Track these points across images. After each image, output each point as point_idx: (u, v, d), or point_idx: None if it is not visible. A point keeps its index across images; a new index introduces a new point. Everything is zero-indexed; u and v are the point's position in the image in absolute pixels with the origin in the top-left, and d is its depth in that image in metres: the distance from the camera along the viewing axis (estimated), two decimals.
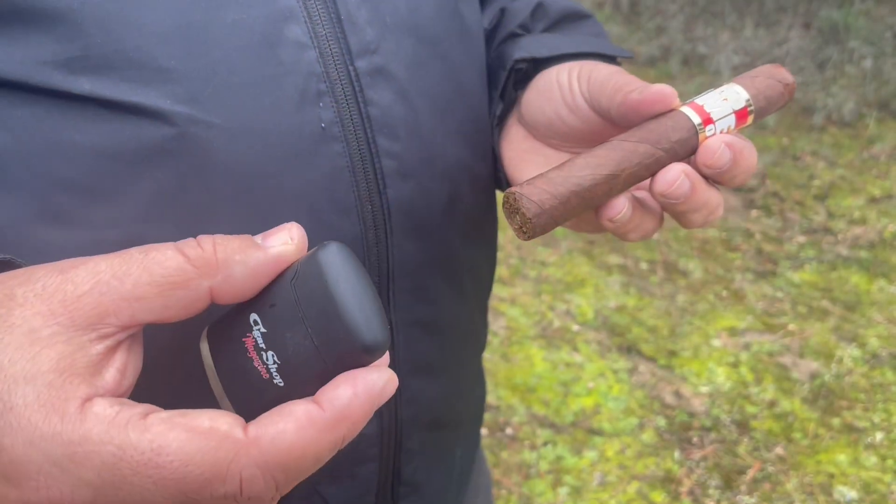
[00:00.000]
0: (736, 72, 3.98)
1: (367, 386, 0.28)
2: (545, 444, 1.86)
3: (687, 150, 0.40)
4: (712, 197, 0.40)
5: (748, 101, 0.41)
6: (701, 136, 0.40)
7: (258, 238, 0.30)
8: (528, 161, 0.48)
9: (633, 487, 1.75)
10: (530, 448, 1.85)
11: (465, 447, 0.60)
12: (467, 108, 0.48)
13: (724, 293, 2.40)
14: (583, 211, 0.40)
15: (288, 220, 0.39)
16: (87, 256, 0.28)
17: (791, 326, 2.26)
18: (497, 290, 2.39)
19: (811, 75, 3.81)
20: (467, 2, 0.50)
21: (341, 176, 0.41)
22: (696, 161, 0.40)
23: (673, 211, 0.40)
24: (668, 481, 1.77)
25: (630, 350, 2.17)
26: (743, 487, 1.76)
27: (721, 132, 0.40)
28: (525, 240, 0.39)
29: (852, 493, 1.74)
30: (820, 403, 1.99)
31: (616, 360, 2.13)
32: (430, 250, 0.47)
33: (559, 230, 2.73)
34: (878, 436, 1.88)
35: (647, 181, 0.41)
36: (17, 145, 0.35)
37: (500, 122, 0.51)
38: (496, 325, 2.25)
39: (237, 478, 0.26)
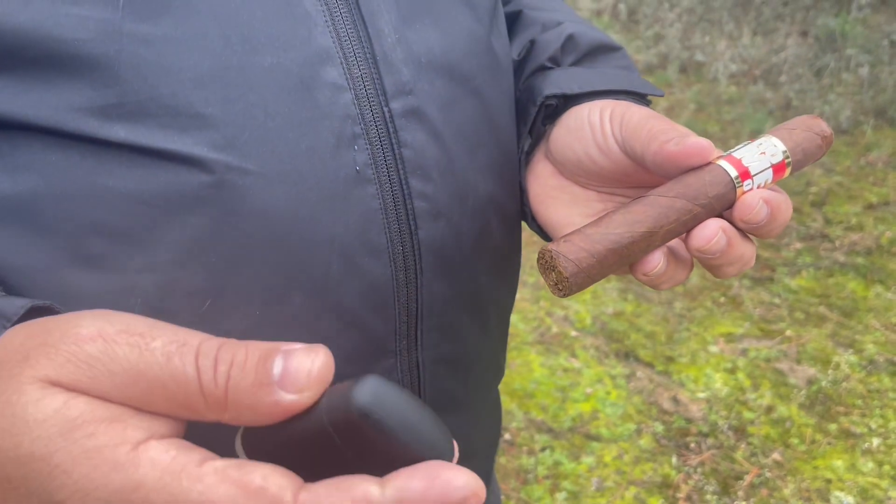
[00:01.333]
0: (733, 79, 4.00)
1: (444, 486, 0.24)
2: (543, 449, 1.86)
3: (723, 205, 0.40)
4: (747, 250, 0.40)
5: (786, 153, 0.40)
6: (738, 191, 0.39)
7: (276, 368, 0.26)
8: (554, 198, 0.48)
9: (630, 493, 1.75)
10: (528, 453, 1.85)
11: (481, 473, 0.60)
12: (498, 143, 0.48)
13: (722, 299, 2.41)
14: (620, 267, 0.39)
15: (321, 264, 0.39)
16: (108, 318, 0.26)
17: (788, 332, 2.27)
18: None
19: (808, 83, 3.83)
20: (498, 34, 0.49)
21: (374, 218, 0.40)
22: (734, 216, 0.39)
23: (707, 264, 0.40)
24: (665, 487, 1.77)
25: (628, 356, 2.17)
26: (740, 493, 1.76)
27: (758, 187, 0.40)
28: (561, 297, 0.39)
29: (849, 499, 1.74)
30: (817, 409, 1.99)
31: (614, 365, 2.14)
32: (457, 288, 0.46)
33: None
34: (875, 441, 1.88)
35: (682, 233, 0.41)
36: (49, 189, 0.34)
37: (527, 156, 0.50)
38: None
39: None
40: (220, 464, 0.25)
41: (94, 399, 0.25)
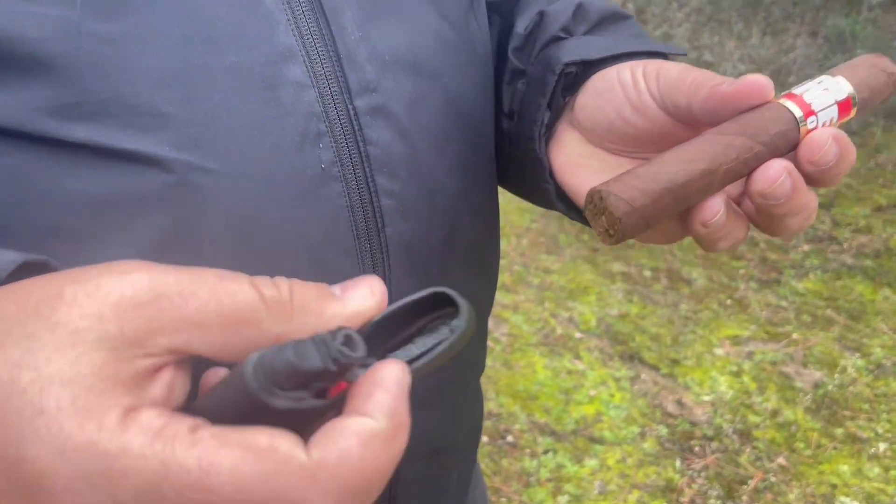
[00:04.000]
0: None
1: (396, 380, 0.25)
2: (546, 451, 1.85)
3: (788, 145, 0.37)
4: (811, 199, 0.37)
5: (851, 91, 0.38)
6: (802, 130, 0.37)
7: (336, 289, 0.27)
8: (584, 166, 0.45)
9: (633, 496, 1.74)
10: (531, 456, 1.84)
11: (461, 469, 0.60)
12: (469, 140, 0.47)
13: (728, 302, 2.40)
14: (676, 211, 0.36)
15: (288, 263, 0.39)
16: (150, 262, 0.25)
17: (795, 335, 2.25)
18: (500, 296, 2.39)
19: None
20: (475, 28, 0.49)
21: (341, 216, 0.40)
22: (799, 157, 0.37)
23: (769, 213, 0.37)
24: (668, 490, 1.76)
25: (632, 358, 2.16)
26: (744, 498, 1.75)
27: (823, 125, 0.37)
28: (611, 244, 0.36)
29: None
30: (823, 413, 1.98)
31: (618, 368, 2.13)
32: (428, 284, 0.46)
33: (562, 237, 2.73)
34: (882, 446, 1.86)
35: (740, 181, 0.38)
36: (6, 192, 0.34)
37: (548, 130, 0.49)
38: (498, 331, 2.25)
39: None
40: (216, 429, 0.23)
41: (127, 354, 0.23)
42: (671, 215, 0.37)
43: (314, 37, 0.39)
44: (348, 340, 0.24)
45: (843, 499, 1.74)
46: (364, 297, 0.27)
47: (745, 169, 0.36)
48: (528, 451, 1.86)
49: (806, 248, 2.68)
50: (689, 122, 0.40)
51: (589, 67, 0.46)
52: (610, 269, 2.56)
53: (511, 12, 0.53)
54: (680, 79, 0.39)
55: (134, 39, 0.34)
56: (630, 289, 2.46)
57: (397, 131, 0.42)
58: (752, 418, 1.96)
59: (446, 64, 0.45)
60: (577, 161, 0.45)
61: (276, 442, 0.23)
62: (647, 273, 2.54)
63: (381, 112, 0.41)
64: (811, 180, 0.37)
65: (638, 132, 0.43)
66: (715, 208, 0.36)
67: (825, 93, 0.37)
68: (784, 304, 2.39)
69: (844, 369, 2.12)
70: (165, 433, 0.22)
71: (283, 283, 0.26)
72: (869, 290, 2.44)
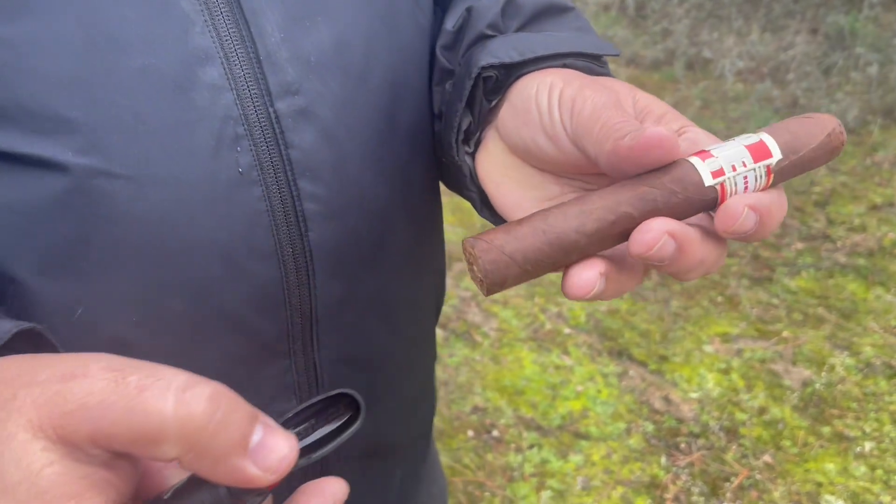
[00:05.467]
0: (740, 76, 3.96)
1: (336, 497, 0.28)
2: (531, 446, 1.85)
3: (706, 204, 0.34)
4: (710, 254, 0.34)
5: (765, 135, 0.35)
6: (706, 178, 0.33)
7: (257, 434, 0.26)
8: (508, 177, 0.43)
9: (617, 492, 1.74)
10: (516, 451, 1.84)
11: (407, 467, 0.59)
12: (404, 142, 0.46)
13: (719, 299, 2.39)
14: (556, 266, 0.34)
15: (200, 268, 0.38)
16: (96, 358, 0.26)
17: (785, 333, 2.24)
18: None
19: (816, 81, 3.78)
20: (415, 29, 0.47)
21: (260, 220, 0.39)
22: (715, 225, 0.33)
23: (659, 270, 0.34)
24: (653, 487, 1.76)
25: (621, 354, 2.16)
26: (728, 495, 1.74)
27: (734, 167, 0.34)
28: (485, 294, 0.34)
29: (839, 503, 1.72)
30: (811, 412, 1.97)
31: (606, 364, 2.12)
32: (358, 289, 0.45)
33: None
34: (868, 445, 1.86)
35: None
36: None
37: (471, 135, 0.45)
38: (487, 326, 2.25)
39: None
40: None
41: (69, 462, 0.25)
42: (547, 271, 0.34)
43: (233, 39, 0.38)
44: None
45: (828, 497, 1.74)
46: (269, 467, 0.26)
47: (634, 225, 0.33)
48: (513, 445, 1.85)
49: (799, 246, 2.67)
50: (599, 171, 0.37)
51: (514, 69, 0.43)
52: None
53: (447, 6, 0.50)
54: (592, 120, 0.35)
55: (33, 43, 0.33)
56: None
57: (323, 134, 0.41)
58: (739, 416, 1.95)
59: (379, 65, 0.43)
60: (501, 171, 0.43)
61: None
62: None
63: (305, 115, 0.40)
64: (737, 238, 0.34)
65: (555, 161, 0.40)
66: (588, 281, 0.33)
67: (731, 142, 0.34)
68: (775, 301, 2.39)
69: (833, 368, 2.11)
70: None
71: (205, 406, 0.25)
72: (861, 288, 2.43)
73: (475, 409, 1.95)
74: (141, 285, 0.37)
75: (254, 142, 0.39)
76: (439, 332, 2.21)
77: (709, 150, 0.34)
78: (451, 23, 0.47)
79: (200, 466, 0.25)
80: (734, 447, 1.87)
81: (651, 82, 3.99)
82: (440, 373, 2.07)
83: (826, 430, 1.91)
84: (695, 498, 1.74)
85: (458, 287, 2.40)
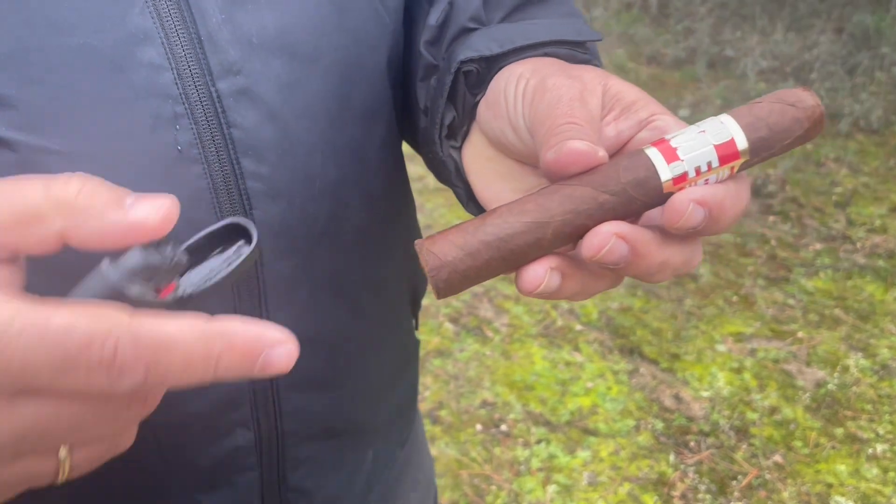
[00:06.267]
0: (762, 76, 3.92)
1: (259, 331, 0.28)
2: (539, 441, 1.85)
3: (647, 195, 0.33)
4: (673, 255, 0.33)
5: (736, 133, 0.33)
6: (666, 179, 0.32)
7: (130, 198, 0.28)
8: (491, 170, 0.43)
9: (624, 489, 1.74)
10: (524, 445, 1.84)
11: (381, 449, 0.59)
12: (358, 122, 0.46)
13: (734, 298, 2.37)
14: (506, 268, 0.33)
15: None
16: None
17: (800, 334, 2.22)
18: (502, 287, 2.39)
19: (840, 81, 3.73)
20: (373, 10, 0.47)
21: (202, 197, 0.40)
22: (662, 220, 0.32)
23: (621, 273, 0.33)
24: (660, 484, 1.75)
25: (632, 352, 2.15)
26: (736, 494, 1.73)
27: (698, 171, 0.32)
28: (438, 297, 0.33)
29: None
30: (823, 412, 1.95)
31: (617, 361, 2.12)
32: (309, 268, 0.45)
33: None
34: (881, 447, 1.84)
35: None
36: None
37: (456, 130, 0.46)
38: (498, 322, 2.25)
39: (113, 345, 0.25)
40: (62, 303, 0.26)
41: None
42: (501, 272, 0.33)
43: (174, 19, 0.38)
44: (174, 247, 0.29)
45: (838, 498, 1.72)
46: (148, 212, 0.28)
47: (591, 222, 0.32)
48: (521, 440, 1.86)
49: (818, 246, 2.64)
50: None
51: (495, 61, 0.42)
52: None
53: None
54: (545, 117, 0.35)
55: None
56: (634, 283, 2.44)
57: (266, 114, 0.41)
58: (750, 415, 1.94)
59: (329, 47, 0.44)
60: (483, 164, 0.43)
61: (105, 307, 0.27)
62: None
63: (246, 94, 0.41)
64: (689, 236, 0.33)
65: (524, 154, 0.39)
66: (536, 277, 0.33)
67: (700, 136, 0.33)
68: (791, 302, 2.36)
69: (847, 369, 2.09)
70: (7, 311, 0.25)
71: (75, 182, 0.28)
72: (880, 290, 2.40)
73: (484, 404, 1.96)
74: (76, 259, 0.38)
75: (195, 120, 0.39)
76: (450, 327, 2.23)
77: (674, 148, 0.33)
78: (434, 17, 0.47)
79: (85, 233, 0.27)
80: (744, 446, 1.85)
81: (672, 81, 3.96)
82: (450, 367, 2.08)
83: (839, 431, 1.89)
84: (702, 496, 1.73)
85: None
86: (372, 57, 0.47)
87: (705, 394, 2.01)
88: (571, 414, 1.94)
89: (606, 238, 0.31)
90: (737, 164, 0.33)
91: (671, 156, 0.32)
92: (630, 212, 0.33)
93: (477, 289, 2.38)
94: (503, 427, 1.90)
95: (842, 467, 1.79)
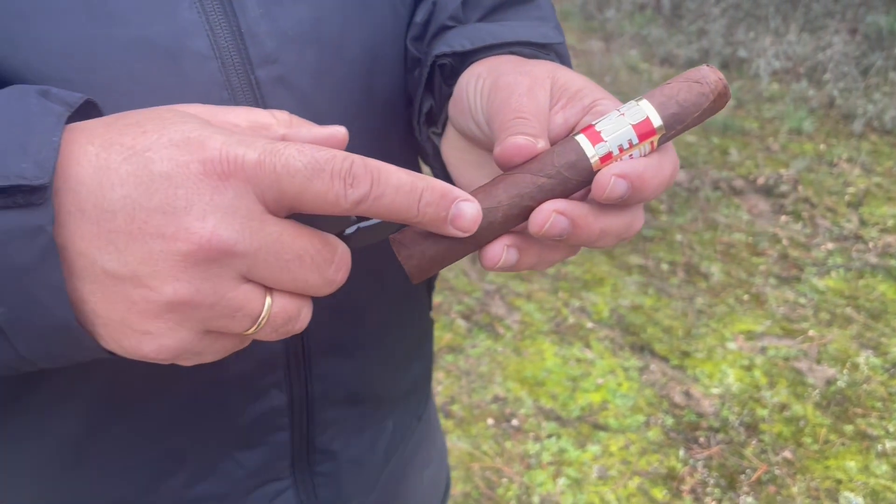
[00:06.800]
0: (775, 76, 3.92)
1: (452, 186, 0.35)
2: (549, 436, 1.88)
3: (580, 175, 0.37)
4: (612, 223, 0.38)
5: (650, 112, 0.37)
6: (594, 159, 0.37)
7: (315, 126, 0.39)
8: (464, 160, 0.47)
9: (634, 483, 1.76)
10: (534, 440, 1.87)
11: (399, 420, 0.63)
12: (380, 110, 0.50)
13: (745, 297, 2.38)
14: (466, 252, 0.38)
15: None
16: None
17: (811, 332, 2.23)
18: (513, 285, 2.42)
19: (853, 81, 3.73)
20: (391, 9, 0.51)
21: None
22: (591, 194, 0.37)
23: (568, 243, 0.38)
24: (670, 479, 1.77)
25: (643, 349, 2.17)
26: (745, 488, 1.75)
27: (620, 149, 0.37)
28: (413, 282, 0.38)
29: (859, 500, 1.71)
30: (833, 409, 1.96)
31: (628, 358, 2.14)
32: None
33: None
34: (891, 444, 1.85)
35: None
36: None
37: (435, 118, 0.50)
38: (510, 318, 2.28)
39: (350, 161, 0.33)
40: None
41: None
42: (462, 255, 0.38)
43: (217, 13, 0.42)
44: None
45: (847, 494, 1.73)
46: (333, 130, 0.39)
47: (534, 203, 0.37)
48: (531, 434, 1.88)
49: (830, 246, 2.65)
50: None
51: (466, 57, 0.47)
52: (627, 261, 2.57)
53: None
54: (496, 114, 0.40)
55: (42, 14, 0.38)
56: (646, 281, 2.46)
57: (300, 100, 0.45)
58: (760, 412, 1.95)
59: (354, 40, 0.47)
60: (458, 156, 0.48)
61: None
62: (665, 266, 2.54)
63: (282, 82, 0.44)
64: (621, 205, 0.38)
65: (488, 145, 0.43)
66: (494, 255, 0.37)
67: (619, 118, 0.37)
68: (803, 301, 2.37)
69: (857, 367, 2.09)
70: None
71: (287, 113, 0.39)
72: (892, 289, 2.41)
73: (496, 399, 1.99)
74: None
75: (237, 105, 0.42)
76: (462, 324, 2.25)
77: (598, 131, 0.37)
78: (419, 16, 0.51)
79: (297, 138, 0.38)
80: (753, 442, 1.87)
81: None
82: (462, 363, 2.11)
83: (848, 428, 1.90)
84: (710, 489, 1.75)
85: (483, 280, 2.44)
86: (392, 49, 0.51)
87: (715, 390, 2.03)
88: (582, 409, 1.96)
89: (547, 215, 0.36)
90: (655, 139, 0.37)
91: (596, 138, 0.37)
92: (567, 191, 0.37)
93: (489, 286, 2.41)
94: (514, 422, 1.92)
95: (851, 464, 1.81)
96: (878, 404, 1.97)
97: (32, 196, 0.29)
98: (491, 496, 1.72)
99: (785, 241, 2.68)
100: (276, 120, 0.38)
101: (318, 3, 0.46)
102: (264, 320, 0.33)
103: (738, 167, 3.12)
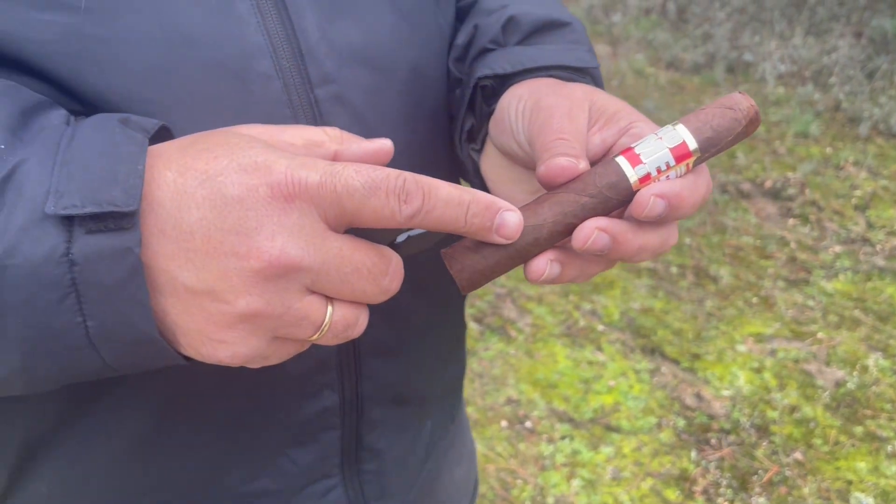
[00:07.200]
0: (781, 80, 3.94)
1: (495, 197, 0.38)
2: (563, 438, 1.90)
3: (620, 195, 0.40)
4: (649, 240, 0.40)
5: (686, 136, 0.40)
6: (633, 179, 0.40)
7: (363, 140, 0.42)
8: (502, 176, 0.50)
9: (647, 484, 1.78)
10: (548, 441, 1.89)
11: (437, 420, 0.66)
12: (426, 124, 0.53)
13: (754, 300, 2.41)
14: (513, 265, 0.40)
15: None
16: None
17: (820, 335, 2.25)
18: (524, 288, 2.44)
19: (859, 85, 3.75)
20: (444, 19, 0.53)
21: None
22: (630, 212, 0.40)
23: (608, 258, 0.41)
24: (682, 480, 1.79)
25: (654, 351, 2.19)
26: (757, 489, 1.77)
27: (658, 171, 0.40)
28: (463, 293, 0.41)
29: (869, 500, 1.73)
30: (843, 411, 1.98)
31: (639, 360, 2.16)
32: None
33: None
34: None
35: None
36: None
37: (476, 135, 0.53)
38: (522, 322, 2.30)
39: (403, 178, 0.35)
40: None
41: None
42: (510, 268, 0.41)
43: (279, 36, 0.45)
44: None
45: (857, 494, 1.75)
46: (381, 144, 0.42)
47: (577, 220, 0.40)
48: (545, 436, 1.91)
49: (837, 249, 2.67)
50: None
51: (507, 79, 0.50)
52: (636, 264, 2.59)
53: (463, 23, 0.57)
54: (538, 135, 0.42)
55: (124, 40, 0.40)
56: (655, 284, 2.49)
57: (354, 117, 0.47)
58: (771, 413, 1.98)
59: (403, 58, 0.50)
60: (498, 172, 0.51)
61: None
62: (674, 269, 2.56)
63: (339, 100, 0.47)
64: (657, 223, 0.40)
65: (527, 162, 0.46)
66: (539, 268, 0.40)
67: (657, 142, 0.40)
68: (811, 303, 2.39)
69: (867, 369, 2.12)
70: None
71: (338, 130, 0.41)
72: None
73: (509, 401, 2.01)
74: None
75: (298, 124, 0.45)
76: (475, 327, 2.28)
77: (637, 154, 0.40)
78: (461, 38, 0.54)
79: (348, 154, 0.41)
80: (764, 444, 1.89)
81: (691, 86, 3.99)
82: (475, 365, 2.13)
83: (858, 429, 1.92)
84: (723, 490, 1.77)
85: (494, 284, 2.46)
86: (436, 68, 0.54)
87: (726, 392, 2.05)
88: (594, 411, 1.98)
89: (590, 232, 0.39)
90: (690, 161, 0.40)
91: (635, 160, 0.40)
92: (608, 209, 0.40)
93: (500, 290, 2.44)
94: (528, 424, 1.95)
95: (861, 464, 1.83)
96: (888, 406, 1.99)
97: (122, 220, 0.32)
98: (506, 497, 1.75)
99: (793, 244, 2.70)
100: (329, 136, 0.40)
101: (371, 25, 0.48)
102: (326, 327, 0.36)
103: (745, 170, 3.15)
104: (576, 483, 1.78)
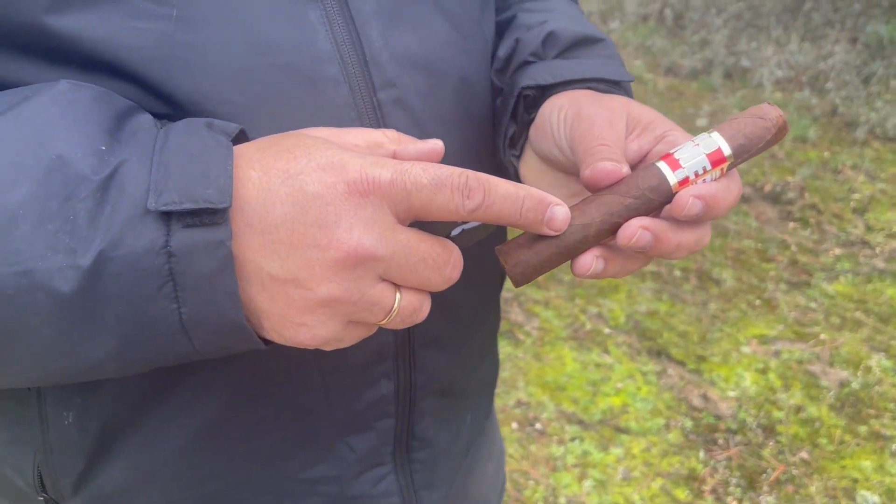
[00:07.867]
0: (778, 85, 3.99)
1: (545, 193, 0.41)
2: (573, 439, 1.93)
3: (661, 197, 0.43)
4: (686, 238, 0.43)
5: (721, 143, 0.43)
6: (673, 182, 0.43)
7: (418, 141, 0.45)
8: (541, 180, 0.53)
9: (657, 484, 1.81)
10: (558, 443, 1.92)
11: (474, 414, 0.68)
12: (475, 126, 0.56)
13: (757, 302, 2.44)
14: (562, 261, 0.44)
15: None
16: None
17: (823, 336, 2.28)
18: (531, 293, 2.47)
19: (855, 90, 3.80)
20: (480, 39, 0.57)
21: None
22: (670, 212, 0.43)
23: (649, 254, 0.44)
24: (691, 479, 1.82)
25: (660, 354, 2.22)
26: (765, 488, 1.80)
27: (696, 175, 0.43)
28: (516, 286, 0.44)
29: (875, 498, 1.76)
30: (847, 411, 2.02)
31: (645, 362, 2.19)
32: None
33: None
34: None
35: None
36: None
37: (516, 142, 0.56)
38: (529, 325, 2.33)
39: (466, 176, 0.38)
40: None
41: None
42: (560, 263, 0.44)
43: (346, 44, 0.48)
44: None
45: (863, 493, 1.78)
46: (434, 145, 0.45)
47: (622, 220, 0.43)
48: (555, 438, 1.94)
49: (838, 251, 2.71)
50: None
51: (547, 89, 0.54)
52: (640, 269, 2.62)
53: (503, 36, 0.61)
54: (581, 140, 0.46)
55: (212, 46, 0.43)
56: (660, 287, 2.52)
57: (413, 119, 0.50)
58: (776, 414, 2.01)
59: (455, 65, 0.53)
60: (536, 175, 0.54)
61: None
62: (678, 272, 2.60)
63: (400, 103, 0.50)
64: (694, 222, 0.44)
65: (568, 168, 0.50)
66: (586, 264, 0.44)
67: (695, 148, 0.44)
68: (813, 305, 2.43)
69: (870, 369, 2.15)
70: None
71: (395, 132, 0.44)
72: None
73: (519, 403, 2.04)
74: None
75: (362, 125, 0.48)
76: None
77: (677, 159, 0.43)
78: (502, 51, 0.58)
79: (405, 153, 0.43)
80: (771, 443, 1.92)
81: (689, 91, 4.04)
82: None
83: (863, 429, 1.96)
84: (732, 489, 1.80)
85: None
86: (482, 76, 0.57)
87: (732, 393, 2.08)
88: (603, 413, 2.01)
89: (634, 230, 0.42)
90: (724, 166, 0.44)
91: (675, 165, 0.43)
92: (650, 210, 0.44)
93: (507, 294, 2.47)
94: (538, 425, 1.97)
95: (866, 463, 1.86)
96: (891, 405, 2.03)
97: (216, 216, 0.35)
98: (519, 497, 1.77)
99: (793, 247, 2.74)
100: (388, 138, 0.44)
101: (427, 34, 0.52)
102: (395, 312, 0.40)
103: (745, 175, 3.19)
104: (587, 483, 1.80)
